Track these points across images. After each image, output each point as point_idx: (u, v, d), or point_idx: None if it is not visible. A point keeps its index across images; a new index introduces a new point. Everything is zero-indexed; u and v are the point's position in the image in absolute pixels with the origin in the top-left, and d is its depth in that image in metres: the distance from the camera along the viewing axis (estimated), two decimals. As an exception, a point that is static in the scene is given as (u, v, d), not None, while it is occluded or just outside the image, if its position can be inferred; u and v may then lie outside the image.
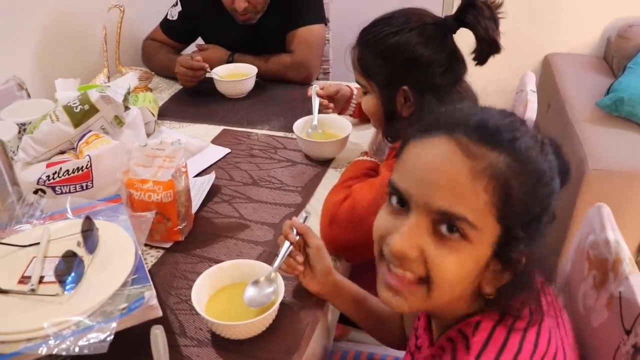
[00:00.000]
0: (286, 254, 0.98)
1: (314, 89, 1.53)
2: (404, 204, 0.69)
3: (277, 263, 0.98)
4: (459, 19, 1.13)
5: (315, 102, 1.50)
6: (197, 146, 1.25)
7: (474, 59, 1.13)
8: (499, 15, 1.10)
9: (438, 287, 0.67)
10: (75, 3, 1.86)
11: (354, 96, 1.56)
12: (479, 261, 0.67)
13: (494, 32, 1.09)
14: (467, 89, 1.22)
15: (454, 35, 1.18)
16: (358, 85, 1.58)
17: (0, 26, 1.60)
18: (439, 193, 0.64)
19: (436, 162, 0.65)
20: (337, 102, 1.57)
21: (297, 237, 0.99)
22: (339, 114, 1.57)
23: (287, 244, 0.99)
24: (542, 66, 3.02)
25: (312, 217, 1.19)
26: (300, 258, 1.00)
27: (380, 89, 1.20)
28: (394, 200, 0.70)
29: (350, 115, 1.59)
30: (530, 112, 1.45)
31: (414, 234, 0.66)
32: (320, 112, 1.50)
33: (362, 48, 1.20)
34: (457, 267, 0.66)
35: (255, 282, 0.97)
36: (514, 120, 0.68)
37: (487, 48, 1.10)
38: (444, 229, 0.65)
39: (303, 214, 1.07)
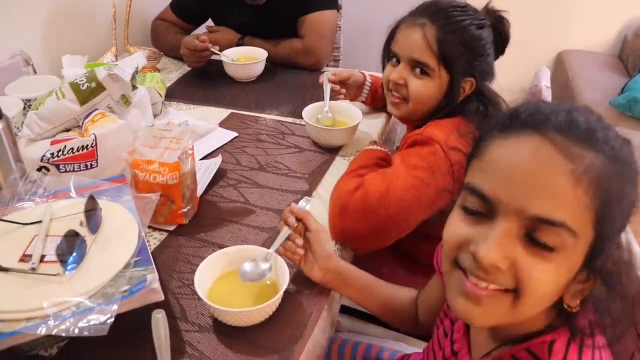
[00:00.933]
0: (285, 237, 0.98)
1: (326, 75, 1.50)
2: (486, 209, 0.63)
3: (274, 246, 0.98)
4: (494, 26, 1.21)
5: (327, 88, 1.47)
6: (204, 128, 1.23)
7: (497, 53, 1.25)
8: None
9: (528, 300, 0.62)
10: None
11: (366, 82, 1.53)
12: (571, 271, 0.62)
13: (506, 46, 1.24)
14: None
15: None
16: (371, 72, 1.57)
17: (6, 2, 1.57)
18: (535, 198, 0.59)
19: (531, 164, 0.60)
20: (349, 88, 1.53)
21: (297, 222, 0.99)
22: (351, 100, 1.54)
23: (286, 228, 0.98)
24: (556, 62, 2.98)
25: (316, 204, 1.18)
26: (299, 241, 0.99)
27: (452, 75, 1.18)
28: (473, 204, 0.64)
29: (363, 102, 1.57)
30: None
31: (505, 244, 0.61)
32: (332, 98, 1.47)
33: (443, 30, 1.16)
34: (552, 278, 0.61)
35: (252, 260, 0.96)
36: (600, 118, 0.63)
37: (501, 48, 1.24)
38: (540, 236, 0.59)
39: (304, 201, 1.05)
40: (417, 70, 1.19)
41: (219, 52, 1.74)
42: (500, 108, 1.22)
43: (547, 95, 1.50)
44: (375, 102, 1.56)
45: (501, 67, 1.26)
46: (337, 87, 1.51)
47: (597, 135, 0.60)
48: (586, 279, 0.63)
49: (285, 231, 0.98)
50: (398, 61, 1.22)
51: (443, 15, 1.17)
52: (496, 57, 1.24)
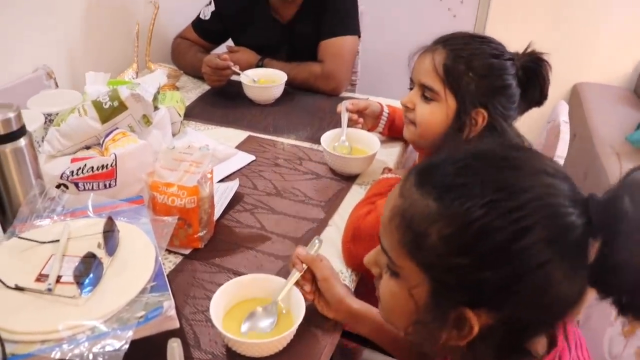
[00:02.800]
0: (292, 283, 0.97)
1: (344, 104, 1.50)
2: None
3: (281, 294, 0.97)
4: (528, 67, 1.17)
5: (345, 117, 1.47)
6: (224, 153, 1.23)
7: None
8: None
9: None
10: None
11: (384, 113, 1.54)
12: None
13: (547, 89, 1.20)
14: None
15: None
16: (388, 102, 1.58)
17: (32, 14, 1.59)
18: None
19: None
20: (366, 118, 1.54)
21: (305, 267, 0.98)
22: (368, 130, 1.54)
23: (295, 272, 0.98)
24: (571, 95, 2.98)
25: (334, 233, 1.18)
26: (307, 287, 0.99)
27: (458, 103, 1.16)
28: None
29: (380, 133, 1.57)
30: (562, 145, 1.42)
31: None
32: (349, 126, 1.48)
33: (453, 56, 1.16)
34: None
35: (252, 314, 0.95)
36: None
37: (537, 100, 1.20)
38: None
39: (315, 241, 1.05)
40: (426, 94, 1.19)
41: (239, 72, 1.75)
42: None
43: (565, 130, 1.50)
44: (393, 132, 1.56)
45: None
46: (355, 116, 1.51)
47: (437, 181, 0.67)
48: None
49: (293, 275, 0.98)
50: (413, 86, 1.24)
51: (455, 42, 1.18)
52: (535, 103, 1.21)
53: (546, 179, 0.63)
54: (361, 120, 1.53)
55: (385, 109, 1.54)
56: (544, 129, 1.67)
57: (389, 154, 1.51)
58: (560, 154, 1.39)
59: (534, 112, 1.24)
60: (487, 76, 1.15)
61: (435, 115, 1.19)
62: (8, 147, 1.06)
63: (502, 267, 0.61)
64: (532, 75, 1.18)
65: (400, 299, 0.69)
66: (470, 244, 0.62)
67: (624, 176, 0.63)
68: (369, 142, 1.43)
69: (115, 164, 1.17)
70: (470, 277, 0.62)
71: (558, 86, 3.07)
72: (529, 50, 1.20)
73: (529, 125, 1.35)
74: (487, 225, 0.61)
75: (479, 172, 0.64)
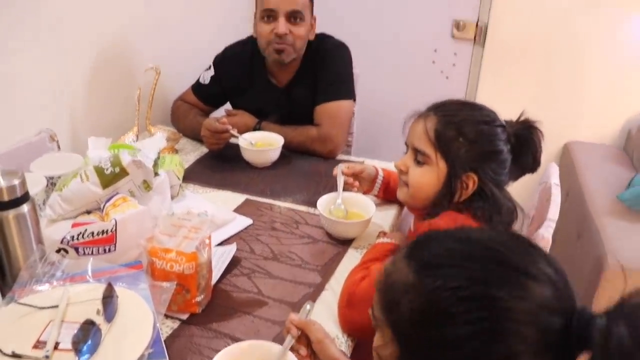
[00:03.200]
0: (289, 347, 0.98)
1: (339, 167, 1.54)
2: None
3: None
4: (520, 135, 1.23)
5: (341, 181, 1.51)
6: (223, 219, 1.26)
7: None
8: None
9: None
10: (111, 61, 1.91)
11: (379, 177, 1.57)
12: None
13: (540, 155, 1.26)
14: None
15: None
16: (384, 165, 1.62)
17: (36, 78, 1.64)
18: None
19: None
20: (362, 182, 1.57)
21: (299, 332, 1.00)
22: (364, 193, 1.58)
23: (289, 337, 1.00)
24: (562, 154, 3.03)
25: (331, 297, 1.20)
26: (303, 351, 1.00)
27: (448, 167, 1.20)
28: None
29: (375, 196, 1.60)
30: (554, 208, 1.44)
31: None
32: (344, 189, 1.51)
33: (444, 121, 1.21)
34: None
35: None
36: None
37: (530, 166, 1.27)
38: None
39: (307, 307, 1.07)
40: (418, 158, 1.24)
41: (237, 135, 1.79)
42: (501, 213, 1.21)
43: (557, 193, 1.52)
44: (388, 195, 1.59)
45: None
46: (351, 180, 1.54)
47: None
48: None
49: (288, 341, 0.99)
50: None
51: (447, 108, 1.23)
52: (529, 169, 1.28)
53: (524, 280, 0.65)
54: (357, 183, 1.56)
55: (381, 172, 1.58)
56: (536, 191, 1.70)
57: (385, 217, 1.54)
58: (552, 217, 1.42)
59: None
60: (477, 142, 1.20)
61: (426, 178, 1.23)
62: (11, 213, 1.09)
63: (459, 350, 0.64)
64: (525, 142, 1.24)
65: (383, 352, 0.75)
66: (431, 320, 0.66)
67: (620, 301, 0.63)
68: (364, 206, 1.46)
69: (115, 230, 1.19)
70: (434, 353, 0.65)
71: (549, 145, 3.10)
72: (521, 118, 1.25)
73: (521, 185, 1.38)
74: (447, 309, 0.65)
75: (459, 258, 0.68)
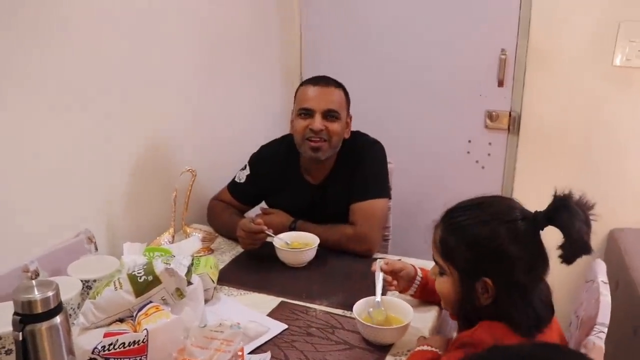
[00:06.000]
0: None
1: (378, 263, 1.53)
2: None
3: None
4: (550, 218, 1.11)
5: (379, 277, 1.49)
6: (256, 331, 1.22)
7: (561, 258, 1.10)
8: (592, 218, 1.10)
9: None
10: (150, 163, 1.96)
11: (417, 277, 1.54)
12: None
13: (587, 235, 1.09)
14: (545, 289, 1.19)
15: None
16: (422, 265, 1.58)
17: (76, 180, 1.68)
18: None
19: None
20: (400, 280, 1.54)
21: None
22: (401, 292, 1.54)
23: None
24: (607, 242, 2.93)
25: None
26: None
27: (460, 275, 1.17)
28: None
29: (412, 296, 1.56)
30: (604, 310, 1.35)
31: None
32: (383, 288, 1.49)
33: (446, 230, 1.19)
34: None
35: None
36: None
37: (577, 250, 1.09)
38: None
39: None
40: (439, 268, 1.22)
41: (272, 235, 1.79)
42: (530, 317, 1.12)
43: (606, 292, 1.44)
44: (425, 296, 1.55)
45: (553, 255, 1.15)
46: (390, 278, 1.52)
47: None
48: None
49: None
50: None
51: (452, 214, 1.20)
52: (567, 262, 1.11)
53: None
54: (395, 282, 1.53)
55: (419, 273, 1.55)
56: (583, 289, 1.62)
57: (424, 320, 1.48)
58: (603, 321, 1.33)
59: (572, 270, 1.18)
60: (479, 246, 1.14)
61: (445, 286, 1.21)
62: (44, 325, 1.09)
63: None
64: (558, 226, 1.11)
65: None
66: None
67: None
68: (402, 310, 1.42)
69: (147, 340, 1.17)
70: None
71: (592, 234, 3.02)
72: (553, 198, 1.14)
73: (562, 283, 1.31)
74: None
75: None
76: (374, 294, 1.47)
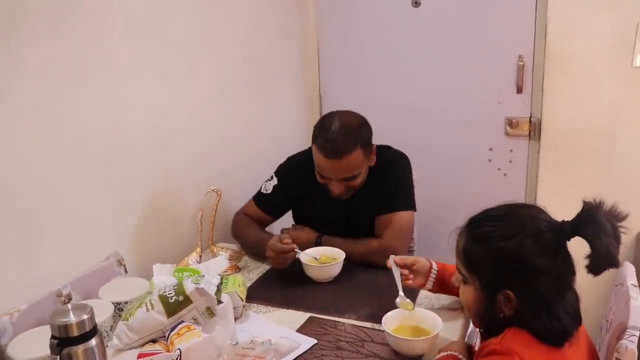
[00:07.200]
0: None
1: (392, 259, 1.56)
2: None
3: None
4: (576, 229, 1.09)
5: (397, 272, 1.53)
6: (287, 347, 1.24)
7: (588, 269, 1.08)
8: (622, 230, 1.07)
9: None
10: (174, 184, 2.00)
11: (433, 270, 1.56)
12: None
13: (615, 248, 1.06)
14: (572, 298, 1.17)
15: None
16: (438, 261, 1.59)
17: (103, 203, 1.71)
18: None
19: None
20: (415, 275, 1.56)
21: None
22: (418, 287, 1.58)
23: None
24: (636, 244, 2.89)
25: None
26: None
27: (482, 286, 1.17)
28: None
29: (429, 290, 1.58)
30: (635, 313, 1.34)
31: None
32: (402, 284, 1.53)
33: (470, 240, 1.19)
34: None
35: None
36: None
37: (604, 264, 1.06)
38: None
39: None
40: (462, 277, 1.23)
41: (299, 251, 1.80)
42: (554, 329, 1.10)
43: (635, 295, 1.43)
44: (442, 290, 1.57)
45: (580, 260, 1.12)
46: (406, 271, 1.55)
47: None
48: None
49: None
50: None
51: (476, 224, 1.20)
52: (594, 274, 1.08)
53: None
54: (411, 276, 1.55)
55: (435, 266, 1.56)
56: (612, 293, 1.61)
57: (452, 330, 1.48)
58: (635, 325, 1.32)
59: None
60: (502, 259, 1.13)
61: (467, 297, 1.22)
62: (80, 348, 1.11)
63: None
64: (584, 237, 1.09)
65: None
66: None
67: None
68: (431, 321, 1.42)
69: (180, 359, 1.19)
70: None
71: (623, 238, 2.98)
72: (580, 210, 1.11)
73: (590, 288, 1.29)
74: None
75: None
76: (402, 306, 1.48)
